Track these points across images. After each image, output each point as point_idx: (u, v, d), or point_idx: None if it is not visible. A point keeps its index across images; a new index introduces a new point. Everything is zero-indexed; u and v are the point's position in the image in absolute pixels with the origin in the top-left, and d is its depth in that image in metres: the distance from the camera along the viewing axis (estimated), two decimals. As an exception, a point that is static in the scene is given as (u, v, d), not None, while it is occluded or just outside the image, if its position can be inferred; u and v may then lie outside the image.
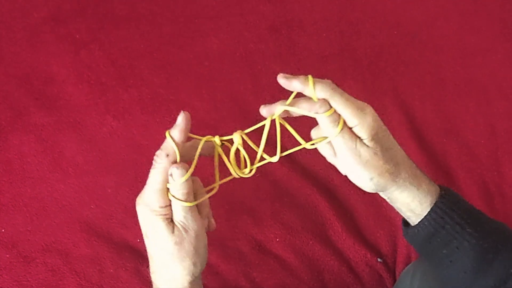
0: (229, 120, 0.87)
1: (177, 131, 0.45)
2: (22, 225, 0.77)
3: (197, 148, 0.47)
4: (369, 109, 0.45)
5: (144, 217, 0.45)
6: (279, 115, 0.46)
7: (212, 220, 0.51)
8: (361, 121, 0.44)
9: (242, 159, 0.48)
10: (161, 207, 0.44)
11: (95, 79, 0.88)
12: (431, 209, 0.45)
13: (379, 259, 0.79)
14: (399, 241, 0.81)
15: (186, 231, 0.44)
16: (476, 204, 0.88)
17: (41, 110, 0.85)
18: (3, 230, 0.77)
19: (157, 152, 0.45)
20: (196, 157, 0.46)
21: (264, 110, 0.47)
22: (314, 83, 0.45)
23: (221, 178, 0.49)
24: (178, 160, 0.44)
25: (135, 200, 0.46)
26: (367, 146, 0.44)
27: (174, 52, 0.92)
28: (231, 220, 0.79)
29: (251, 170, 0.48)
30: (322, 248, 0.79)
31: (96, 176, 0.81)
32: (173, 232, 0.44)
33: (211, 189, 0.49)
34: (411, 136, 0.88)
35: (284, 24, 0.97)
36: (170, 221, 0.44)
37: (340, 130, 0.44)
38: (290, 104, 0.46)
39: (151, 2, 0.96)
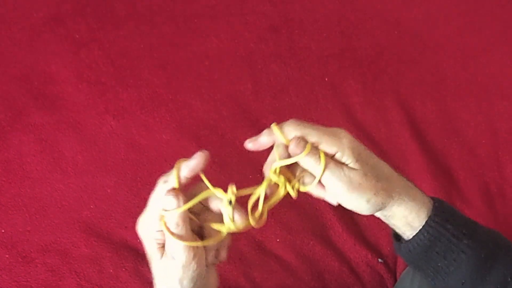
0: (229, 120, 0.87)
1: (185, 165, 0.42)
2: (21, 225, 0.77)
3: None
4: (343, 132, 0.44)
5: (142, 237, 0.44)
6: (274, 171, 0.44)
7: (224, 252, 0.47)
8: (340, 146, 0.43)
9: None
10: (156, 231, 0.43)
11: (95, 79, 0.88)
12: (426, 222, 0.44)
13: (380, 260, 0.79)
14: (400, 242, 0.80)
15: (173, 259, 0.43)
16: (476, 204, 0.88)
17: (41, 110, 0.85)
18: (2, 231, 0.76)
19: (161, 179, 0.43)
20: (197, 199, 0.43)
21: (265, 170, 0.46)
22: (279, 129, 0.44)
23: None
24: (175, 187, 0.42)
25: (135, 200, 0.46)
26: (355, 169, 0.43)
27: (174, 52, 0.92)
28: (231, 220, 0.79)
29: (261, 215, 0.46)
30: (322, 249, 0.78)
31: (96, 176, 0.80)
32: (161, 257, 0.43)
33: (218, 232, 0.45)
34: (412, 136, 0.88)
35: (284, 24, 0.96)
36: (162, 246, 0.43)
37: (324, 165, 0.43)
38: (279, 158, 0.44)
39: (151, 2, 0.96)
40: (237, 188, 0.44)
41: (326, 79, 0.92)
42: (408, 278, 0.69)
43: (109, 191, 0.80)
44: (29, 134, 0.83)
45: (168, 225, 0.42)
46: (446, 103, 0.92)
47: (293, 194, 0.45)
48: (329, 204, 0.80)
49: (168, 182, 0.42)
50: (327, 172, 0.43)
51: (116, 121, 0.84)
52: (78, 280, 0.74)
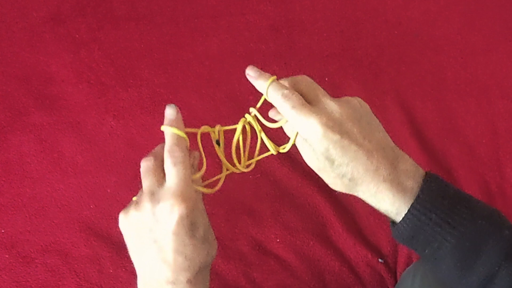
0: (229, 120, 0.87)
1: (175, 122, 0.46)
2: (21, 226, 0.77)
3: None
4: (316, 124, 0.44)
5: (187, 214, 0.43)
6: (254, 116, 0.50)
7: None
8: (307, 136, 0.44)
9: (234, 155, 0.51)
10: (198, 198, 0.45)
11: (95, 79, 0.88)
12: (408, 211, 0.43)
13: (380, 260, 0.79)
14: (400, 242, 0.80)
15: (206, 215, 0.47)
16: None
17: (41, 110, 0.85)
18: (2, 231, 0.76)
19: (170, 149, 0.45)
20: (201, 148, 0.47)
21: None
22: (269, 84, 0.48)
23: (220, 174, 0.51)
24: (183, 136, 0.45)
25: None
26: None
27: (174, 51, 0.92)
28: (231, 220, 0.79)
29: (248, 165, 0.51)
30: (322, 249, 0.78)
31: (96, 176, 0.80)
32: (194, 233, 0.45)
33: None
34: (412, 136, 0.88)
35: (284, 23, 0.96)
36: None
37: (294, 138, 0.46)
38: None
39: (150, 2, 0.95)
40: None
41: (326, 79, 0.92)
42: (408, 279, 0.69)
43: (109, 191, 0.80)
44: (29, 134, 0.83)
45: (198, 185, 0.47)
46: (446, 103, 0.92)
47: (259, 135, 0.51)
48: (329, 204, 0.81)
49: (186, 146, 0.45)
50: (298, 139, 0.47)
51: (116, 121, 0.84)
52: (78, 280, 0.74)
